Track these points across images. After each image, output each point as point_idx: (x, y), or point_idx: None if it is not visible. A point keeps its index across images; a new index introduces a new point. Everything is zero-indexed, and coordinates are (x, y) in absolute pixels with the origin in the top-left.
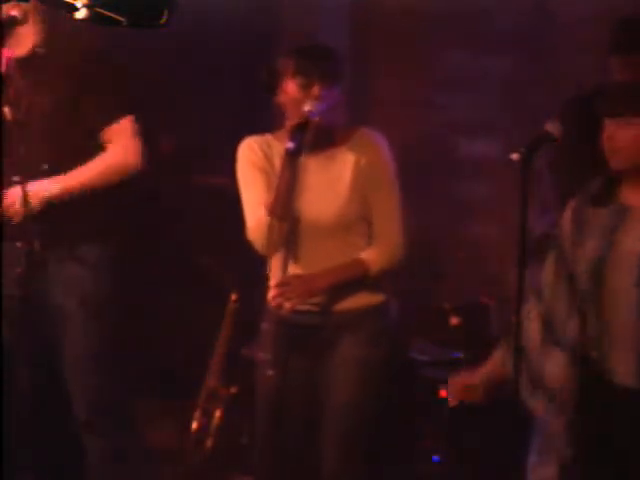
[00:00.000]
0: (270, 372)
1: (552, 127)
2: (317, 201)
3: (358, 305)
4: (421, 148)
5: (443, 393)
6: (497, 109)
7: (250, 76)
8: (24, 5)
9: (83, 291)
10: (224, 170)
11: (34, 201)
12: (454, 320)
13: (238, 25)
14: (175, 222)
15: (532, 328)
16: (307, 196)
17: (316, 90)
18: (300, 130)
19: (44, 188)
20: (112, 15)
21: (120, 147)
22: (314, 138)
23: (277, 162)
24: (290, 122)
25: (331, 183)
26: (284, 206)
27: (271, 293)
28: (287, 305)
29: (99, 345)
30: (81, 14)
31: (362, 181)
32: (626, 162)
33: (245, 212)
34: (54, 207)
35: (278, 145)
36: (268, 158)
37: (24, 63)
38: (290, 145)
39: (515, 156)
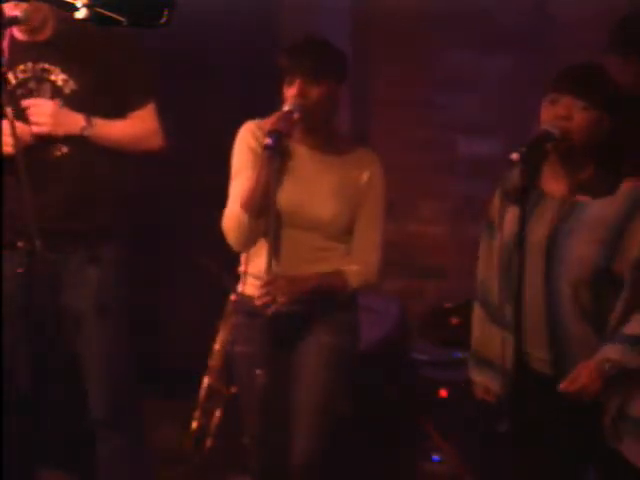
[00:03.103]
0: (259, 371)
1: (552, 127)
2: (316, 200)
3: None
4: (421, 148)
5: (443, 393)
6: (497, 109)
7: (250, 76)
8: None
9: (102, 292)
10: (224, 170)
11: (72, 129)
12: (454, 320)
13: (238, 25)
14: (175, 222)
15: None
16: (307, 192)
17: (296, 86)
18: (277, 132)
19: (82, 124)
20: (112, 15)
21: (148, 125)
22: (306, 132)
23: (284, 158)
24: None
25: (333, 188)
26: (259, 203)
27: (257, 292)
28: (278, 301)
29: (119, 345)
30: (81, 14)
31: (359, 196)
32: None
33: (228, 198)
34: (74, 211)
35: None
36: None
37: (43, 47)
38: (268, 141)
39: (515, 156)
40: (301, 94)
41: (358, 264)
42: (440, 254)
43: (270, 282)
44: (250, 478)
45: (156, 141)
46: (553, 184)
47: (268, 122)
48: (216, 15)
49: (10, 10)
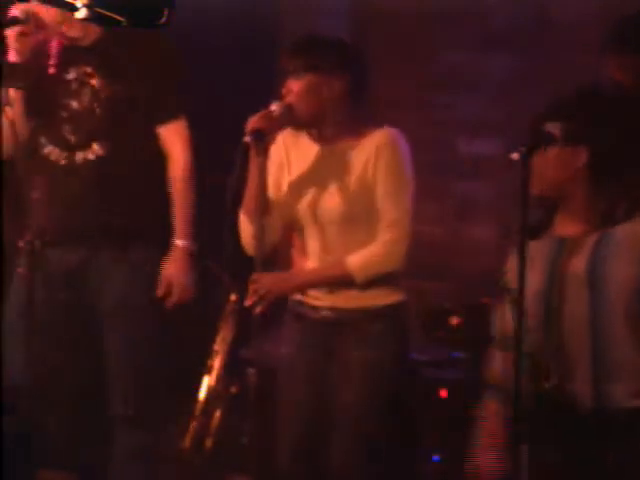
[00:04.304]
0: (251, 370)
1: (552, 127)
2: (324, 196)
3: (371, 304)
4: (421, 148)
5: (443, 393)
6: (497, 109)
7: (249, 77)
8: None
9: (127, 292)
10: (224, 170)
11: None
12: (454, 320)
13: (238, 25)
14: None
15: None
16: (316, 188)
17: (287, 85)
18: (257, 130)
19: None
20: (112, 15)
21: (178, 154)
22: (313, 127)
23: (292, 154)
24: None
25: (340, 178)
26: (253, 204)
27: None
28: (267, 298)
29: (143, 345)
30: (81, 14)
31: (372, 177)
32: (550, 189)
33: None
34: (106, 209)
35: (297, 137)
36: (286, 149)
37: (87, 51)
38: (246, 140)
39: (515, 156)
40: (286, 91)
41: (371, 249)
42: (440, 254)
43: (255, 281)
44: (250, 478)
45: (190, 172)
46: (570, 226)
47: (250, 121)
48: (216, 15)
49: (15, 11)
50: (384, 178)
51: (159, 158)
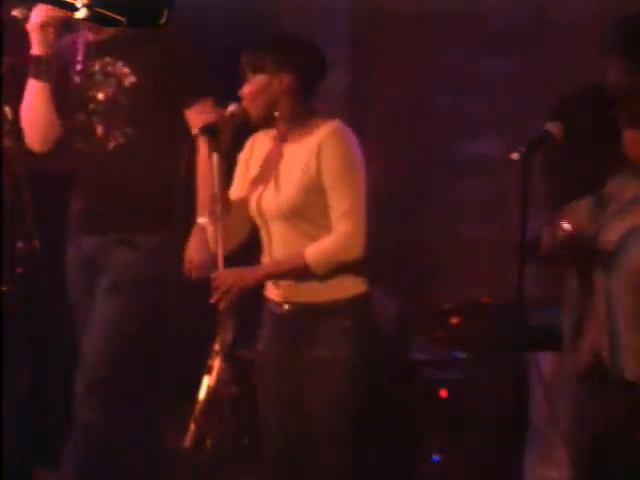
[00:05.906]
0: (219, 363)
1: (552, 127)
2: (271, 190)
3: (328, 298)
4: (421, 148)
5: (443, 393)
6: (497, 109)
7: None
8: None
9: (121, 271)
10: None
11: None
12: (454, 320)
13: (238, 25)
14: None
15: None
16: (270, 185)
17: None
18: (207, 125)
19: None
20: (112, 15)
21: None
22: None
23: (254, 154)
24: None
25: (286, 173)
26: (209, 202)
27: (270, 292)
28: (231, 292)
29: (121, 324)
30: (81, 14)
31: (315, 172)
32: None
33: None
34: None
35: (265, 137)
36: (252, 150)
37: (107, 43)
38: (194, 131)
39: (515, 156)
40: (243, 91)
41: (327, 240)
42: (440, 254)
43: (215, 278)
44: (250, 478)
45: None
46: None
47: (204, 117)
48: (215, 16)
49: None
50: (329, 171)
51: (176, 146)
